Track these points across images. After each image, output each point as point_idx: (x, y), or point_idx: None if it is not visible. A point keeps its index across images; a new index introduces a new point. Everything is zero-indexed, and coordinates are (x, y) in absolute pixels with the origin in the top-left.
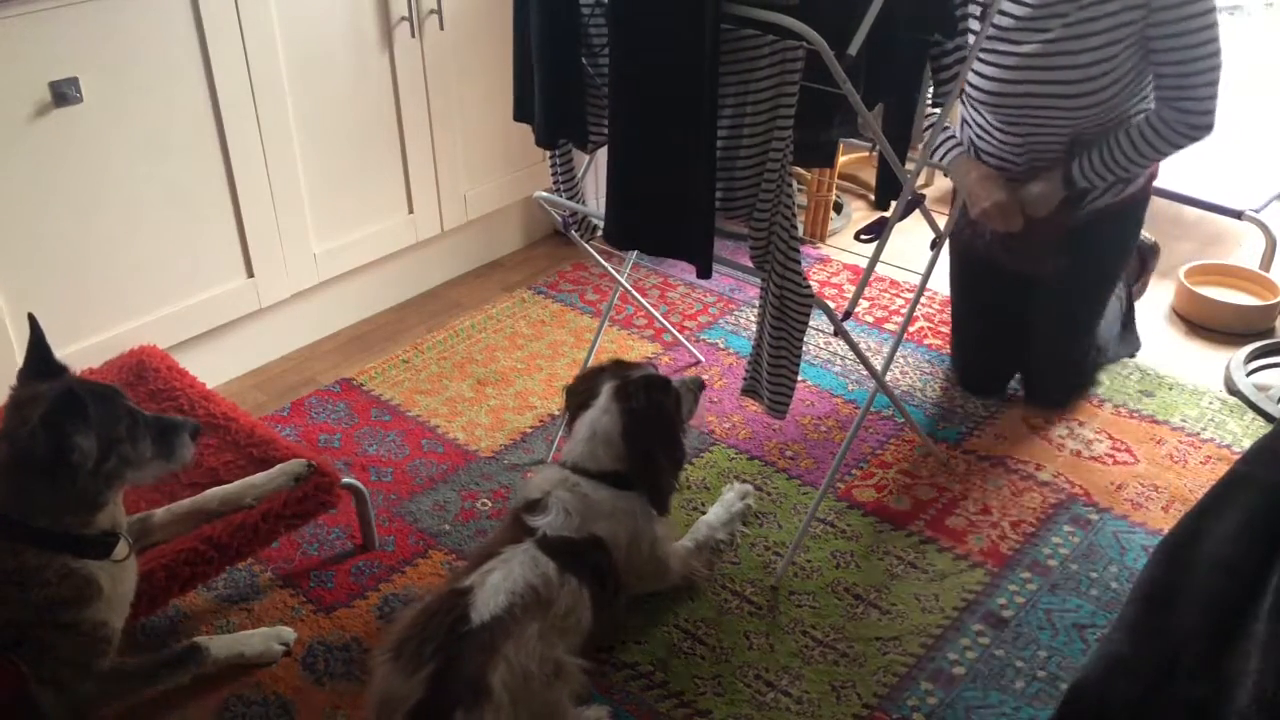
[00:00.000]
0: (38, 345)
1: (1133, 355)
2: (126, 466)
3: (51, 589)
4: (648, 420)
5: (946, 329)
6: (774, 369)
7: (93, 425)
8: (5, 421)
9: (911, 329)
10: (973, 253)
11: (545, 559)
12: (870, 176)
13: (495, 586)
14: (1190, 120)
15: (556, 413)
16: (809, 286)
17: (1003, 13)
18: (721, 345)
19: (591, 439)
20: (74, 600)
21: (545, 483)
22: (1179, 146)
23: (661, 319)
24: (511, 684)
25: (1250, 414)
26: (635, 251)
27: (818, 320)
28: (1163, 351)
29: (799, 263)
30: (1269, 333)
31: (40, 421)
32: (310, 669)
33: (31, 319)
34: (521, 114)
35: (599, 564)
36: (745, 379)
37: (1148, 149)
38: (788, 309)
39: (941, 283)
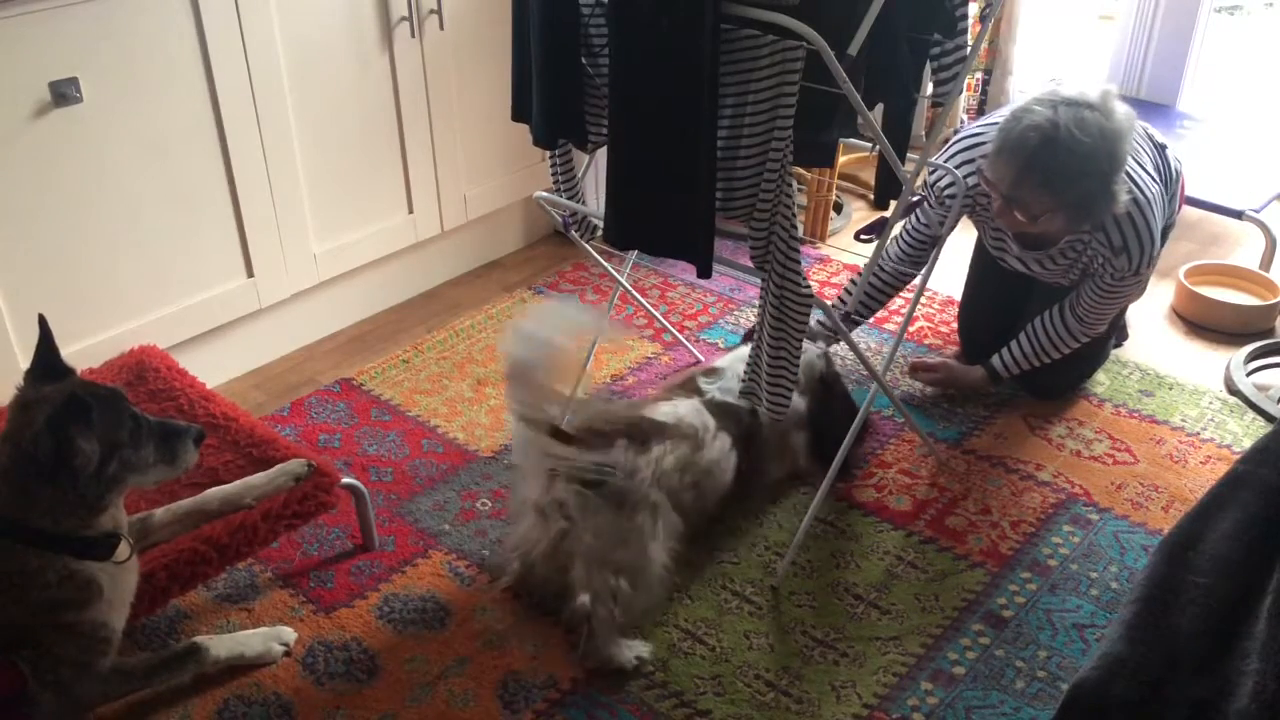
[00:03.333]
0: (45, 346)
1: (1118, 346)
2: (128, 471)
3: (52, 590)
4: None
5: (947, 329)
6: (773, 370)
7: (96, 429)
8: (9, 423)
9: (911, 329)
10: (996, 261)
11: (708, 414)
12: (870, 176)
13: (666, 411)
14: (1090, 330)
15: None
16: (809, 287)
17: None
18: (721, 345)
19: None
20: (74, 602)
21: (733, 357)
22: (1078, 345)
23: (661, 319)
24: (656, 467)
25: (1250, 414)
26: (635, 251)
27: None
28: (1163, 351)
29: (799, 263)
30: (1269, 333)
31: (44, 425)
32: (310, 669)
33: (41, 320)
34: (520, 114)
35: (750, 431)
36: (743, 381)
37: (1054, 349)
38: (787, 309)
39: (941, 283)
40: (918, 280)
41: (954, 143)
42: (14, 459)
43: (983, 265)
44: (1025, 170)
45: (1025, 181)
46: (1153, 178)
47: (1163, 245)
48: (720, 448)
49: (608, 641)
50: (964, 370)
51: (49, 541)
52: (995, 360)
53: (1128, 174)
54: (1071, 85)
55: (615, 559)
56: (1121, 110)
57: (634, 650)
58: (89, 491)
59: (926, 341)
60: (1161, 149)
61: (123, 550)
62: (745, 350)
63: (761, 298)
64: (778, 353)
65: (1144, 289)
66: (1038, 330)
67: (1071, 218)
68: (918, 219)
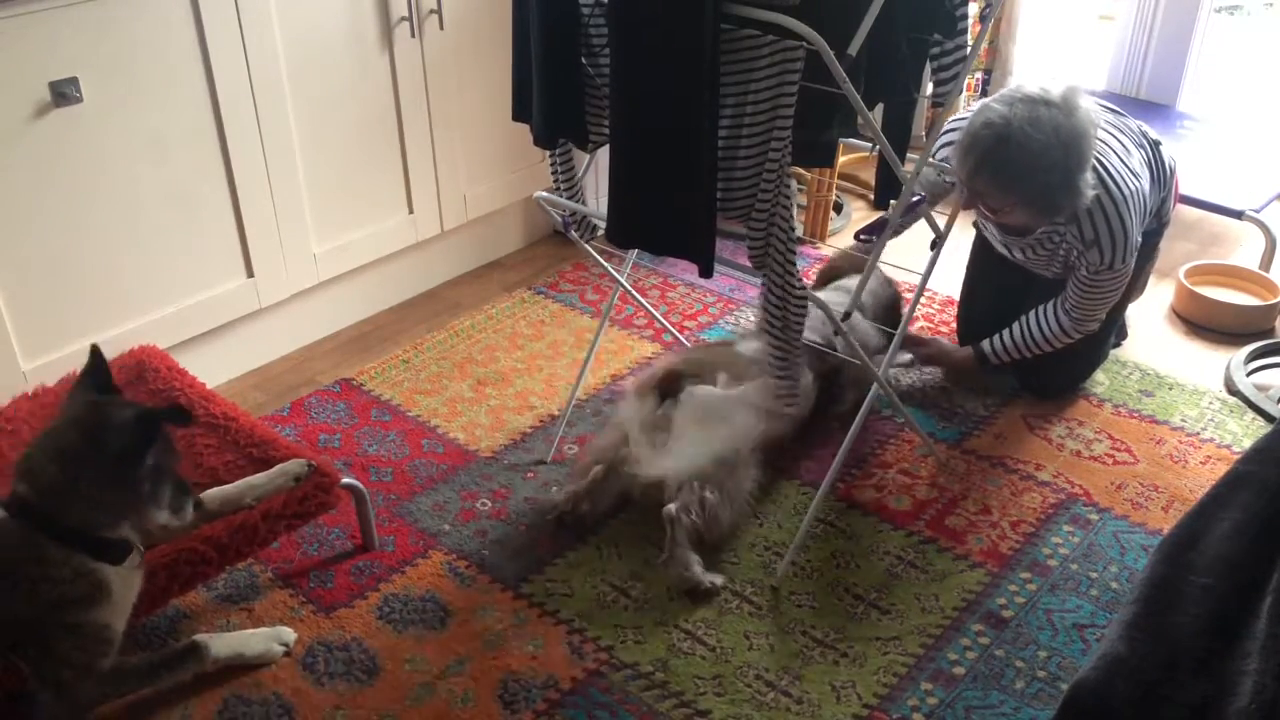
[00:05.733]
0: (99, 367)
1: (1118, 345)
2: (152, 504)
3: (65, 586)
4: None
5: (947, 329)
6: (780, 367)
7: (162, 445)
8: (75, 416)
9: (911, 329)
10: (993, 251)
11: None
12: (870, 176)
13: (758, 349)
14: (1081, 327)
15: (556, 412)
16: (803, 286)
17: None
18: None
19: (858, 289)
20: (84, 600)
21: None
22: (1069, 341)
23: (661, 319)
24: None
25: (1250, 414)
26: (635, 251)
27: None
28: (1163, 351)
29: (795, 263)
30: (1269, 333)
31: (134, 419)
32: (310, 669)
33: (94, 349)
34: (521, 114)
35: (830, 367)
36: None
37: (1045, 343)
38: (788, 308)
39: (942, 283)
40: (918, 280)
41: (943, 133)
42: (82, 446)
43: (982, 260)
44: (979, 167)
45: (980, 177)
46: (1135, 174)
47: (1159, 242)
48: (804, 384)
49: (687, 556)
50: (953, 349)
51: (72, 537)
52: (986, 344)
53: (1104, 170)
54: (1038, 81)
55: (706, 474)
56: (1085, 107)
57: (711, 577)
58: (139, 497)
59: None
60: (1156, 145)
61: (134, 558)
62: (824, 294)
63: (762, 297)
64: (780, 351)
65: (1142, 288)
66: (1030, 322)
67: (1033, 212)
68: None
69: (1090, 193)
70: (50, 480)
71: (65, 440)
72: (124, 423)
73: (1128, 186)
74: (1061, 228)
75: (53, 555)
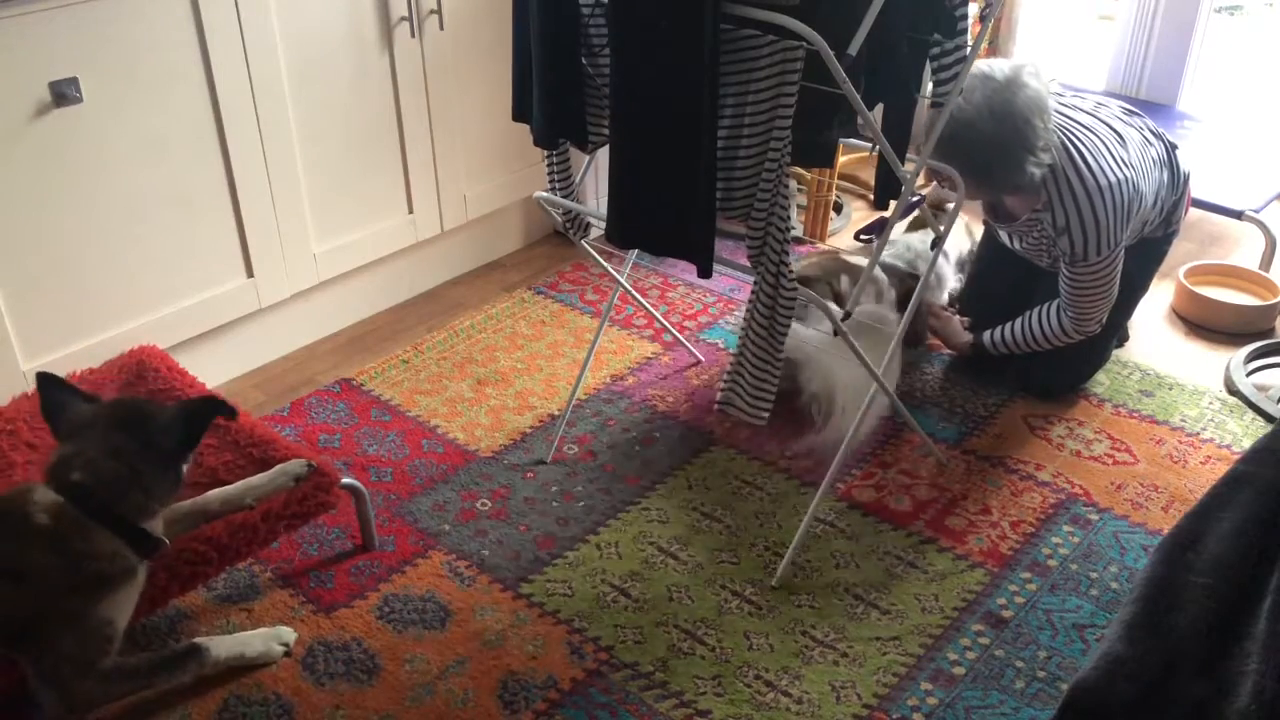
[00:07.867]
0: (65, 387)
1: (1119, 347)
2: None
3: (104, 564)
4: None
5: None
6: (758, 369)
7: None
8: (114, 417)
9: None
10: (998, 247)
11: (883, 271)
12: (870, 176)
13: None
14: (1079, 328)
15: (556, 412)
16: (794, 285)
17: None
18: (721, 345)
19: (858, 289)
20: (114, 582)
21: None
22: (1069, 342)
23: (661, 319)
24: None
25: (1250, 414)
26: (635, 251)
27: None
28: (1163, 351)
29: (788, 261)
30: (1269, 333)
31: (180, 414)
32: (310, 669)
33: (41, 375)
34: (521, 114)
35: (908, 292)
36: (722, 390)
37: (1044, 340)
38: (778, 306)
39: None
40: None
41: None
42: (141, 444)
43: (991, 253)
44: (927, 140)
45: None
46: (1127, 165)
47: (1167, 248)
48: (890, 300)
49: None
50: (956, 331)
51: (120, 526)
52: (986, 336)
53: (1079, 156)
54: (991, 60)
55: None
56: (1035, 86)
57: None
58: (177, 484)
59: (927, 341)
60: (1173, 149)
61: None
62: (912, 236)
63: (753, 295)
64: (764, 350)
65: (1145, 287)
66: (1033, 319)
67: (977, 185)
68: None
69: (1037, 171)
70: (112, 473)
71: (118, 439)
72: (172, 422)
73: (1106, 177)
74: (1043, 215)
75: (99, 535)
